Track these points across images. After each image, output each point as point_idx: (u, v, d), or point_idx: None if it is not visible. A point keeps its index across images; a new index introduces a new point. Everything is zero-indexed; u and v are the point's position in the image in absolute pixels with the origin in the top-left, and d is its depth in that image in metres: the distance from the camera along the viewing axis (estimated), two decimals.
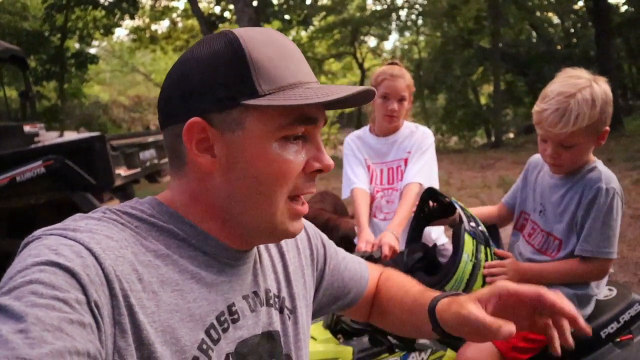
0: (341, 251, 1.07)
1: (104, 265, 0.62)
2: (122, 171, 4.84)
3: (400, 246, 1.96)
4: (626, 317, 1.60)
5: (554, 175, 1.63)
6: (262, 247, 0.87)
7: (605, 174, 1.52)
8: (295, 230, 0.77)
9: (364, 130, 2.45)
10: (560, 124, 1.44)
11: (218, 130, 0.70)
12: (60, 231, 0.64)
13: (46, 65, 16.24)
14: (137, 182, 6.00)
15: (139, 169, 5.37)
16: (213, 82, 0.69)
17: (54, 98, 18.19)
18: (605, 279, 1.66)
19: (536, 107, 1.52)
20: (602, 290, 1.68)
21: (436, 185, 2.22)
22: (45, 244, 0.61)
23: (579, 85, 1.45)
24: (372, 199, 2.34)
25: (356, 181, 2.30)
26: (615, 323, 1.59)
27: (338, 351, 1.63)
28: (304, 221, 0.99)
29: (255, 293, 0.81)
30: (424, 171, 2.21)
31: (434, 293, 0.95)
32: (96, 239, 0.64)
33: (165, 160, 6.34)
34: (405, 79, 2.24)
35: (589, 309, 1.59)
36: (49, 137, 5.70)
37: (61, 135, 6.26)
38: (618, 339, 1.58)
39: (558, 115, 1.45)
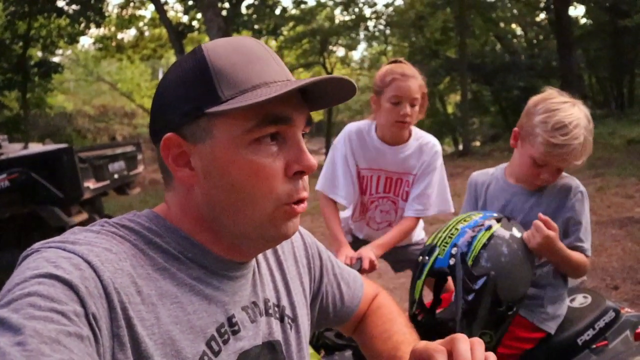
0: (337, 265, 1.05)
1: (102, 278, 0.62)
2: (90, 184, 4.74)
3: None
4: (601, 324, 1.64)
5: (512, 184, 1.69)
6: (260, 256, 0.86)
7: (576, 180, 1.65)
8: (288, 232, 0.75)
9: (369, 128, 2.11)
10: (583, 156, 1.55)
11: (191, 143, 0.71)
12: (59, 244, 0.64)
13: (8, 75, 15.76)
14: (106, 195, 5.88)
15: (108, 181, 5.28)
16: (181, 96, 0.71)
17: (16, 108, 17.67)
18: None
19: (554, 140, 1.50)
20: (576, 298, 1.74)
21: (450, 205, 2.13)
22: (44, 257, 0.61)
23: (579, 116, 1.53)
24: (366, 209, 2.18)
25: (339, 194, 2.10)
26: (591, 330, 1.63)
27: None
28: (301, 230, 0.99)
29: (255, 303, 0.81)
30: (431, 199, 2.07)
31: (407, 352, 0.90)
32: (95, 252, 0.64)
33: (135, 171, 6.28)
34: (417, 79, 1.96)
35: (562, 309, 1.64)
36: (13, 149, 5.52)
37: (26, 147, 6.07)
38: (594, 346, 1.62)
39: (581, 148, 1.53)
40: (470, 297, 1.44)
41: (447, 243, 1.51)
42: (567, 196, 1.60)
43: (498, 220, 1.53)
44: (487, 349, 1.55)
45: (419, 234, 2.37)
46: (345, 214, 2.28)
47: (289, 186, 0.72)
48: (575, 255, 1.57)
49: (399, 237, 2.02)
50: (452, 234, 1.53)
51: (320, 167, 2.21)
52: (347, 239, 2.21)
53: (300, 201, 0.74)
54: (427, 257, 1.55)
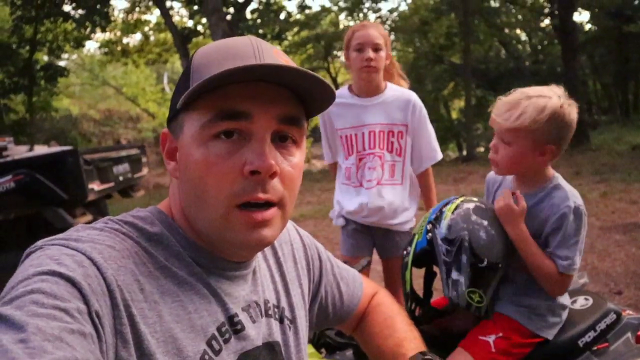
0: (336, 265, 1.05)
1: (105, 275, 0.62)
2: (95, 186, 4.75)
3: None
4: (602, 325, 1.63)
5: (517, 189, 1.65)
6: (260, 256, 0.86)
7: (571, 192, 1.56)
8: (249, 240, 0.69)
9: (343, 89, 2.26)
10: (505, 115, 1.53)
11: (175, 137, 0.73)
12: (62, 241, 0.64)
13: (14, 78, 15.86)
14: (110, 197, 5.90)
15: (112, 184, 5.29)
16: (175, 95, 0.73)
17: (22, 111, 17.77)
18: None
19: (495, 110, 1.59)
20: (577, 300, 1.73)
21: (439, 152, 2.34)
22: (47, 254, 0.61)
23: (542, 94, 1.52)
24: (357, 168, 2.24)
25: (325, 156, 2.43)
26: (592, 332, 1.62)
27: None
28: (300, 231, 1.00)
29: (255, 304, 0.81)
30: (433, 148, 2.28)
31: (410, 348, 0.94)
32: (98, 249, 0.64)
33: (139, 174, 6.29)
34: (378, 29, 2.12)
35: (563, 316, 1.63)
36: (19, 151, 5.55)
37: (31, 149, 6.10)
38: (595, 348, 1.61)
39: (506, 107, 1.54)
40: (450, 258, 1.54)
41: (422, 227, 1.64)
42: (554, 209, 1.54)
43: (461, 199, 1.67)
44: (479, 309, 1.56)
45: (412, 220, 2.41)
46: (338, 196, 2.39)
47: (241, 186, 0.67)
48: (544, 260, 1.53)
49: (434, 193, 2.32)
50: (424, 219, 1.67)
51: (324, 170, 2.47)
52: (339, 222, 2.38)
53: (257, 205, 0.68)
54: (409, 248, 1.66)
